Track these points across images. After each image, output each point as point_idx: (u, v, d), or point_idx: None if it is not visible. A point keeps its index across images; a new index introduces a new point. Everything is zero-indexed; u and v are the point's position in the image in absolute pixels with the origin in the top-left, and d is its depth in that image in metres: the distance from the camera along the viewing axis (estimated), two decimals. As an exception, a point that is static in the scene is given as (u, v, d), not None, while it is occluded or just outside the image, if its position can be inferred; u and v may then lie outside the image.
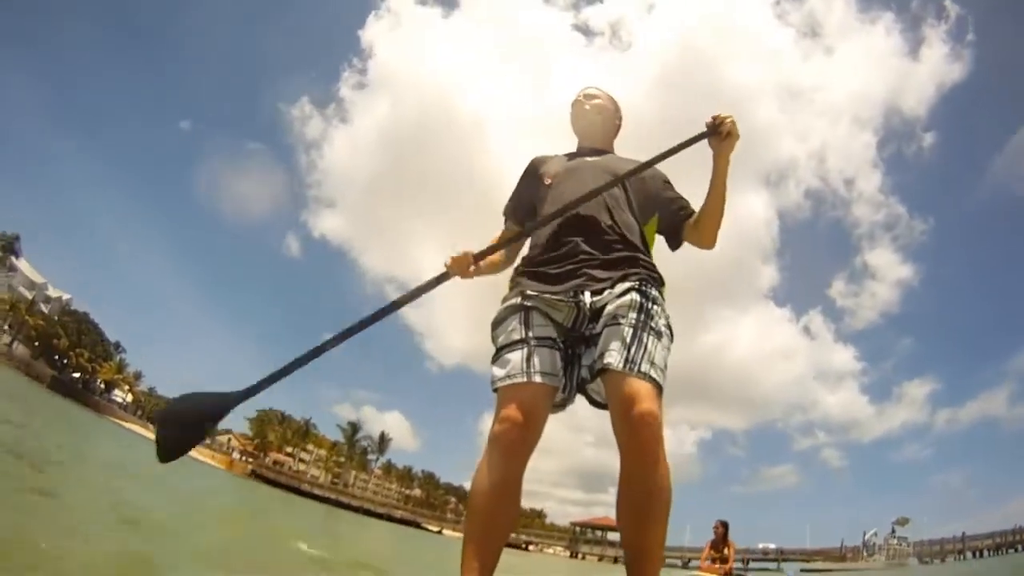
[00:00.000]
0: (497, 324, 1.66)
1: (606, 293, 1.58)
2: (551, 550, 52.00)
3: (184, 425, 1.48)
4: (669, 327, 1.58)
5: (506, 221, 1.97)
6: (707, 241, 1.82)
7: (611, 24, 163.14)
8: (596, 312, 1.57)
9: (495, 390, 1.53)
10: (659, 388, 1.43)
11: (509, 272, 1.82)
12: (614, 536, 44.34)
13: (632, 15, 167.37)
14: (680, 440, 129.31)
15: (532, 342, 1.55)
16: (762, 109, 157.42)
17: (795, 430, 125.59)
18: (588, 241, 1.67)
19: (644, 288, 1.59)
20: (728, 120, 1.71)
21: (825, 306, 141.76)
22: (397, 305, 1.62)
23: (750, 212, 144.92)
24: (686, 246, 1.88)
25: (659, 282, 1.67)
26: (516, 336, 1.58)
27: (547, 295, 1.61)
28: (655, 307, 1.57)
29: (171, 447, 1.44)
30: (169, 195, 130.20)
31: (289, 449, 73.59)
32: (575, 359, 1.63)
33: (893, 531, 36.31)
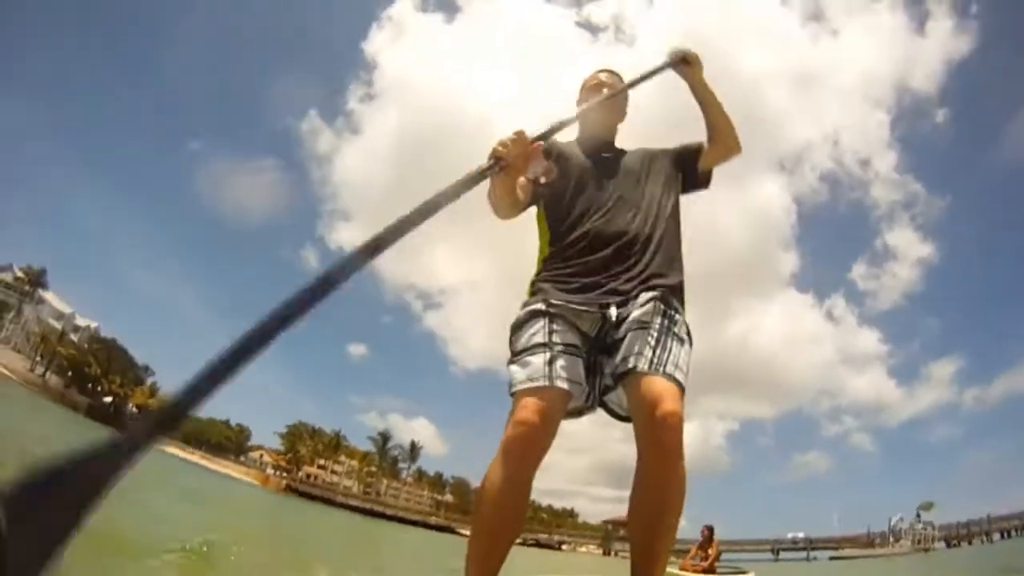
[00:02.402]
0: (517, 327, 1.63)
1: (630, 304, 1.58)
2: (583, 548, 52.03)
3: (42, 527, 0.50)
4: (689, 335, 1.60)
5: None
6: (731, 147, 1.83)
7: (614, 18, 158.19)
8: (620, 321, 1.57)
9: (512, 393, 1.50)
10: (682, 390, 1.45)
11: (523, 273, 1.81)
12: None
13: (634, 8, 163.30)
14: (709, 432, 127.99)
15: (556, 347, 1.53)
16: (773, 95, 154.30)
17: (823, 416, 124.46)
18: (617, 254, 1.65)
19: (666, 298, 1.60)
20: (687, 50, 1.78)
21: (848, 289, 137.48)
22: (423, 214, 1.02)
23: (767, 199, 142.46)
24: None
25: (680, 296, 1.68)
26: (538, 339, 1.55)
27: (572, 305, 1.59)
28: (677, 315, 1.59)
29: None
30: (184, 218, 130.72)
31: (321, 462, 73.03)
32: (598, 368, 1.62)
33: (918, 515, 36.17)
